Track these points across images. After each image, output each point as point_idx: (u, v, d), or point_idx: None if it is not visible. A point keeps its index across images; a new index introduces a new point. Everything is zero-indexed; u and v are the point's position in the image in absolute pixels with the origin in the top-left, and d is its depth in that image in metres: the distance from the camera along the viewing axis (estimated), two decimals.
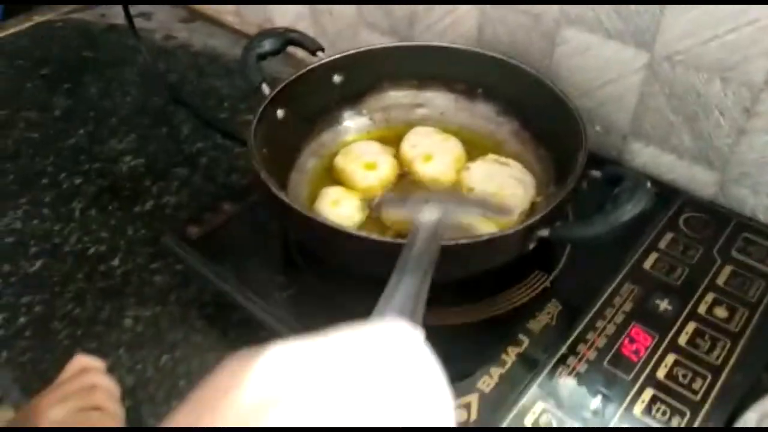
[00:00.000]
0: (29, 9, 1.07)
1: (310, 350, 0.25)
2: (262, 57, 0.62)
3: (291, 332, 0.40)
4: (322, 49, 0.64)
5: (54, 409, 0.48)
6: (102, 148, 0.81)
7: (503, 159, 0.61)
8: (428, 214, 0.42)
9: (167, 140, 0.83)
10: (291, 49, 0.66)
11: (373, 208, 0.60)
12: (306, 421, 0.22)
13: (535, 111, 0.61)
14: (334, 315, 0.30)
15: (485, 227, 0.54)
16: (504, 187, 0.57)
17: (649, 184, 0.48)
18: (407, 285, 0.33)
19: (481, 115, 0.66)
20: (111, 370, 0.53)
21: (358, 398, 0.24)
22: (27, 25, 1.05)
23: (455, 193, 0.57)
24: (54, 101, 0.89)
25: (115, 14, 1.05)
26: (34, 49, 1.00)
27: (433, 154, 0.62)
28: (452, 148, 0.63)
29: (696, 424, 0.46)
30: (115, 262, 0.66)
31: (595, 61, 0.65)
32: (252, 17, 1.00)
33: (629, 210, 0.47)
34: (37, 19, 1.06)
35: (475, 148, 0.65)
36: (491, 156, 0.62)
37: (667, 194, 0.64)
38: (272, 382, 0.24)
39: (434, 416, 0.24)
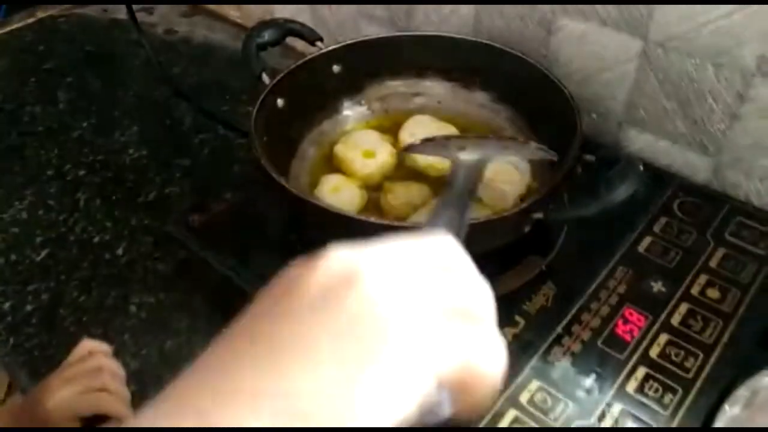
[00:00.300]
0: (33, 5, 1.08)
1: (373, 246, 0.26)
2: (262, 47, 0.63)
3: None
4: (321, 40, 0.65)
5: (61, 390, 0.49)
6: (105, 140, 0.82)
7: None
8: (468, 155, 0.44)
9: (170, 132, 0.84)
10: (291, 41, 0.67)
11: (403, 150, 0.62)
12: (383, 294, 0.24)
13: (531, 98, 0.62)
14: None
15: (481, 212, 0.55)
16: (499, 172, 0.58)
17: (641, 167, 0.49)
18: (450, 216, 0.35)
19: (478, 102, 0.67)
20: (116, 355, 0.55)
21: (427, 276, 0.25)
22: (30, 20, 1.06)
23: (491, 138, 0.57)
24: (58, 95, 0.90)
25: (117, 9, 1.06)
26: (38, 44, 1.01)
27: None
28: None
29: (688, 402, 0.47)
30: (120, 250, 0.67)
31: (590, 48, 0.66)
32: (253, 11, 1.01)
33: (622, 192, 0.48)
34: (40, 14, 1.07)
35: None
36: None
37: (661, 179, 0.65)
38: (345, 262, 0.25)
39: (487, 311, 0.26)
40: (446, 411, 0.25)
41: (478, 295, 0.26)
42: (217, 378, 0.23)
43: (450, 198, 0.38)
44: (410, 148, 0.57)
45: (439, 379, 0.23)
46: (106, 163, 0.78)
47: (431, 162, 0.62)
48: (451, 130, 0.65)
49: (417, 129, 0.65)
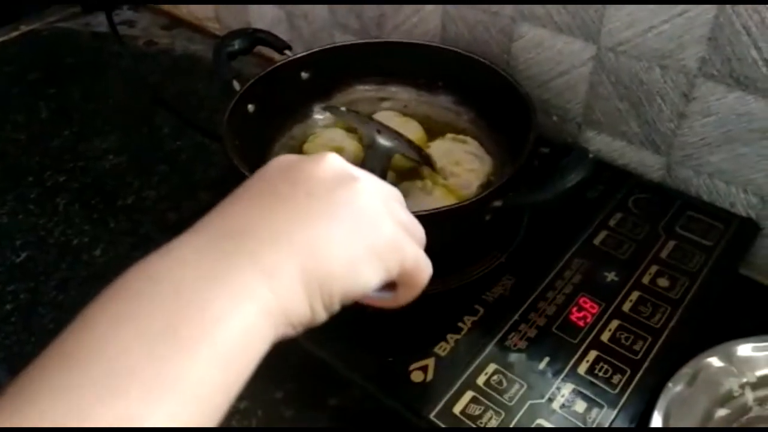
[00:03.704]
0: (17, 19, 1.11)
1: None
2: (233, 56, 0.66)
3: None
4: (289, 48, 0.68)
5: None
6: (86, 147, 0.84)
7: (461, 137, 0.65)
8: (384, 140, 0.54)
9: (149, 139, 0.86)
10: (269, 52, 0.70)
11: (325, 107, 0.69)
12: (377, 196, 0.33)
13: (491, 99, 0.65)
14: None
15: (444, 201, 0.58)
16: (461, 162, 0.61)
17: (591, 155, 0.52)
18: None
19: (442, 105, 0.70)
20: None
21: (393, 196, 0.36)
22: (14, 34, 1.08)
23: (402, 136, 0.61)
24: (40, 105, 0.92)
25: (99, 23, 1.09)
26: (21, 56, 1.03)
27: None
28: (413, 129, 0.67)
29: (635, 381, 0.50)
30: (98, 251, 0.69)
31: (548, 53, 0.69)
32: (231, 23, 1.04)
33: (573, 177, 0.51)
34: (24, 28, 1.10)
35: (437, 136, 0.69)
36: (450, 135, 0.66)
37: (618, 178, 0.68)
38: (344, 165, 0.34)
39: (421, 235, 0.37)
40: (386, 296, 0.36)
41: (417, 223, 0.36)
42: (253, 225, 0.30)
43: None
44: (333, 110, 0.63)
45: (401, 267, 0.33)
46: (86, 170, 0.81)
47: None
48: (414, 123, 0.68)
49: None
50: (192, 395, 0.25)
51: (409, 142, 0.58)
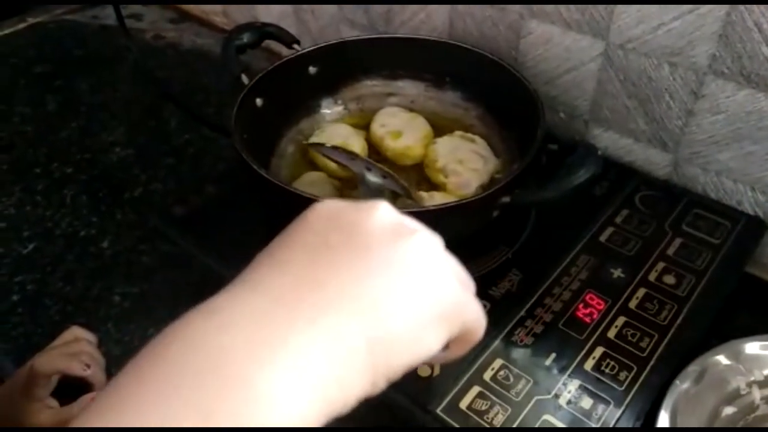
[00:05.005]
0: (24, 11, 1.11)
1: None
2: (242, 50, 0.66)
3: None
4: (298, 42, 0.68)
5: (42, 354, 0.51)
6: (93, 140, 0.84)
7: (469, 135, 0.65)
8: (374, 177, 0.50)
9: (156, 133, 0.86)
10: (277, 46, 0.70)
11: (309, 144, 0.66)
12: (433, 250, 0.29)
13: (499, 95, 0.65)
14: None
15: (447, 197, 0.58)
16: (465, 160, 0.61)
17: (599, 152, 0.52)
18: None
19: (449, 101, 0.70)
20: (100, 342, 0.57)
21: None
22: (21, 26, 1.09)
23: (385, 172, 0.58)
24: (47, 97, 0.92)
25: (107, 15, 1.09)
26: (29, 49, 1.03)
27: (402, 131, 0.66)
28: (420, 125, 0.67)
29: (642, 377, 0.50)
30: (105, 243, 0.69)
31: (556, 50, 0.69)
32: (238, 17, 1.04)
33: (581, 175, 0.51)
34: (31, 20, 1.10)
35: (443, 132, 0.69)
36: (458, 132, 0.66)
37: (625, 175, 0.68)
38: (397, 216, 0.30)
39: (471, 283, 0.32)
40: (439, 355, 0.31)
41: (465, 272, 0.32)
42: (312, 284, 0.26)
43: None
44: (318, 147, 0.61)
45: (462, 326, 0.30)
46: (93, 162, 0.81)
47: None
48: (420, 119, 0.68)
49: (387, 120, 0.68)
50: None
51: (396, 179, 0.56)
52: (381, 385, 0.26)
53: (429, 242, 0.29)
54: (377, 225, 0.28)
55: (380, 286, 0.26)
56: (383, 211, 0.29)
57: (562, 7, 0.66)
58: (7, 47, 1.04)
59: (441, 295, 0.28)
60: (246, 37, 0.66)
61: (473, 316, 0.30)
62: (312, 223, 0.28)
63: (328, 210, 0.29)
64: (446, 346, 0.31)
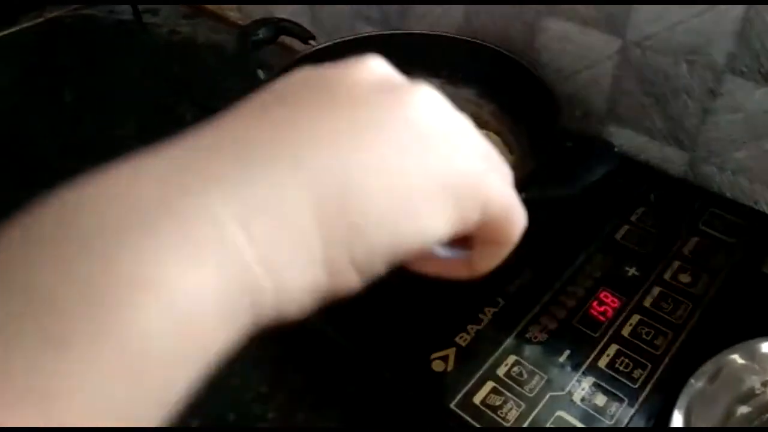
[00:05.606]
0: (41, 6, 1.12)
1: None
2: (257, 46, 0.67)
3: None
4: (314, 38, 0.68)
5: None
6: (108, 135, 0.85)
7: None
8: None
9: (170, 128, 0.86)
10: (291, 42, 0.71)
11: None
12: (446, 107, 0.23)
13: (514, 92, 0.65)
14: None
15: None
16: None
17: (615, 148, 0.52)
18: None
19: (464, 97, 0.70)
20: None
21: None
22: (38, 20, 1.10)
23: None
24: (63, 92, 0.93)
25: (123, 10, 1.10)
26: (45, 43, 1.04)
27: None
28: None
29: (656, 375, 0.50)
30: None
31: (572, 47, 0.69)
32: (253, 13, 1.05)
33: (597, 172, 0.51)
34: (48, 15, 1.11)
35: None
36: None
37: (641, 173, 0.68)
38: (390, 71, 0.24)
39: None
40: (459, 255, 0.24)
41: (500, 158, 0.25)
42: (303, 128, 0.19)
43: None
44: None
45: (483, 213, 0.22)
46: (109, 157, 0.81)
47: None
48: None
49: None
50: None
51: None
52: (348, 275, 0.19)
53: (434, 100, 0.23)
54: (363, 80, 0.22)
55: (349, 141, 0.19)
56: (376, 63, 0.23)
57: (580, 5, 0.65)
58: (24, 42, 1.05)
59: (443, 162, 0.21)
60: (262, 33, 0.66)
61: (499, 199, 0.23)
62: (282, 84, 0.22)
63: (305, 73, 0.23)
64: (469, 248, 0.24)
